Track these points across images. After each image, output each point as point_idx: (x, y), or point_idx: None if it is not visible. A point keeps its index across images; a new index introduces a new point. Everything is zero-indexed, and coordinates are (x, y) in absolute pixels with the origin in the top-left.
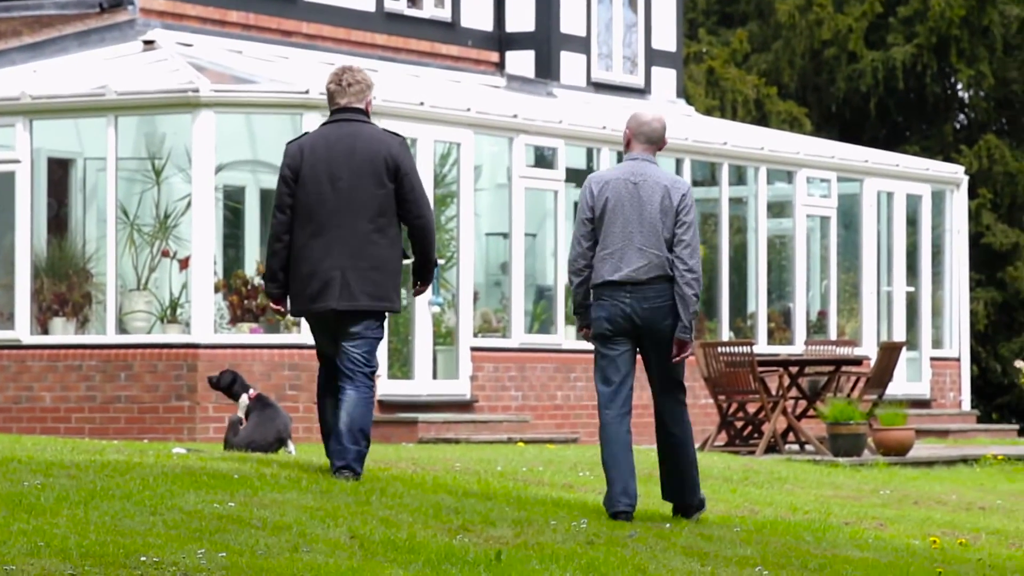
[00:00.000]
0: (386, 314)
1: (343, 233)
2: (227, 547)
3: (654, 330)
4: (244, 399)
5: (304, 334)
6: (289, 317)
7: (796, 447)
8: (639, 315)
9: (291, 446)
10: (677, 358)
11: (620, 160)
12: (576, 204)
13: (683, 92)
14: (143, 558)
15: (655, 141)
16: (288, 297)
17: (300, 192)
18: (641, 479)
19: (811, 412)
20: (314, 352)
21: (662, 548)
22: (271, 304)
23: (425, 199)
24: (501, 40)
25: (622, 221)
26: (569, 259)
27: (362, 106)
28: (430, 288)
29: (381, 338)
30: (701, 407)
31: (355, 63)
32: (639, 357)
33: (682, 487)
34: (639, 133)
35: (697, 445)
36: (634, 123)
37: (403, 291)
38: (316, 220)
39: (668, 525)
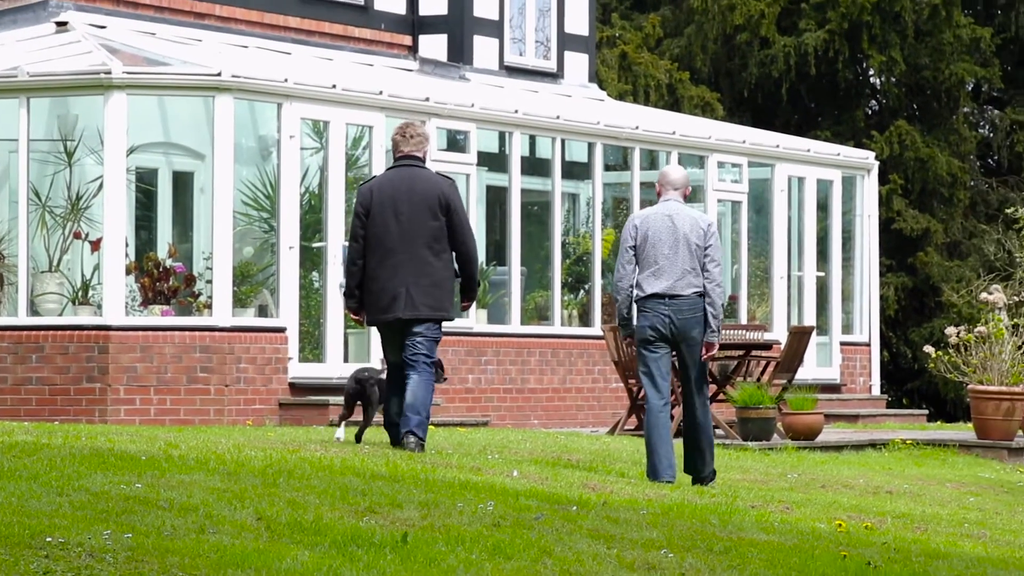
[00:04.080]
0: (443, 320)
1: (406, 258)
2: (133, 528)
3: (687, 336)
4: None
5: (215, 317)
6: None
7: None
8: (675, 324)
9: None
10: (706, 356)
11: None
12: (488, 188)
13: (596, 76)
14: (49, 539)
15: (680, 187)
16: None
17: (370, 225)
18: (547, 462)
19: (721, 396)
20: (225, 334)
21: (568, 531)
22: (351, 315)
23: (470, 230)
24: (414, 23)
25: (661, 246)
26: (615, 279)
27: (420, 154)
28: (343, 272)
29: (440, 339)
30: (612, 391)
31: (268, 45)
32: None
33: (702, 461)
34: (667, 184)
35: (607, 429)
36: (662, 178)
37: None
38: (384, 247)
39: (574, 508)
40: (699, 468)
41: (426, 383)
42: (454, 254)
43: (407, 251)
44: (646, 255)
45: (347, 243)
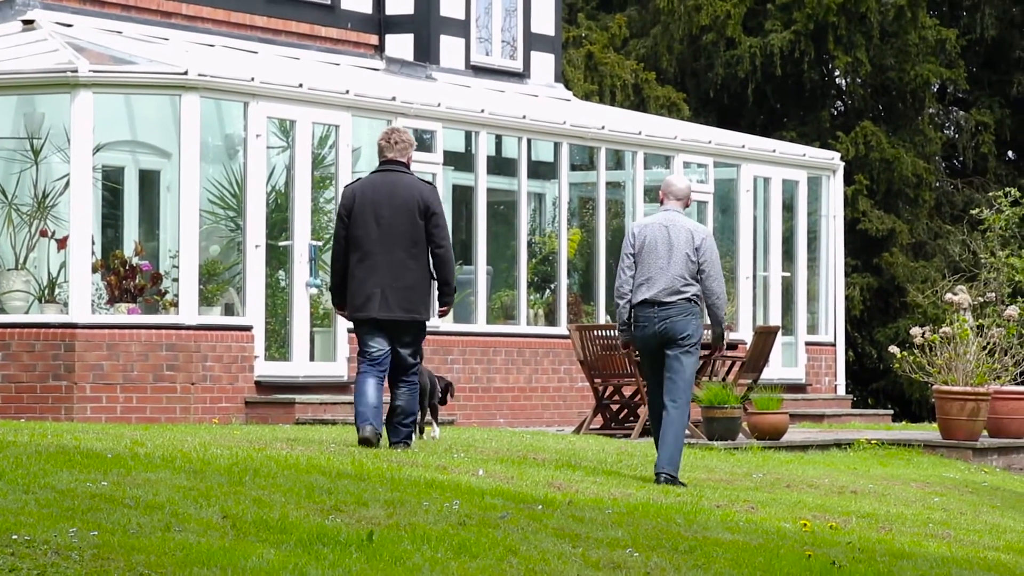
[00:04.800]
0: (427, 323)
1: (384, 259)
2: (99, 526)
3: (674, 339)
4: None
5: (182, 315)
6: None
7: None
8: (665, 326)
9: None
10: (716, 355)
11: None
12: (454, 187)
13: (562, 76)
14: (15, 536)
15: (681, 198)
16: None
17: (352, 226)
18: (513, 461)
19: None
20: (191, 332)
21: (533, 530)
22: (336, 310)
23: (447, 233)
24: (380, 23)
25: (656, 255)
26: (616, 285)
27: (404, 160)
28: (311, 274)
29: (424, 338)
30: (578, 390)
31: (234, 44)
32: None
33: (667, 458)
34: (669, 193)
35: (572, 428)
36: (666, 186)
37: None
38: (363, 248)
39: (540, 507)
40: (662, 464)
41: (411, 394)
42: (431, 258)
43: (385, 253)
44: (642, 263)
45: (312, 242)
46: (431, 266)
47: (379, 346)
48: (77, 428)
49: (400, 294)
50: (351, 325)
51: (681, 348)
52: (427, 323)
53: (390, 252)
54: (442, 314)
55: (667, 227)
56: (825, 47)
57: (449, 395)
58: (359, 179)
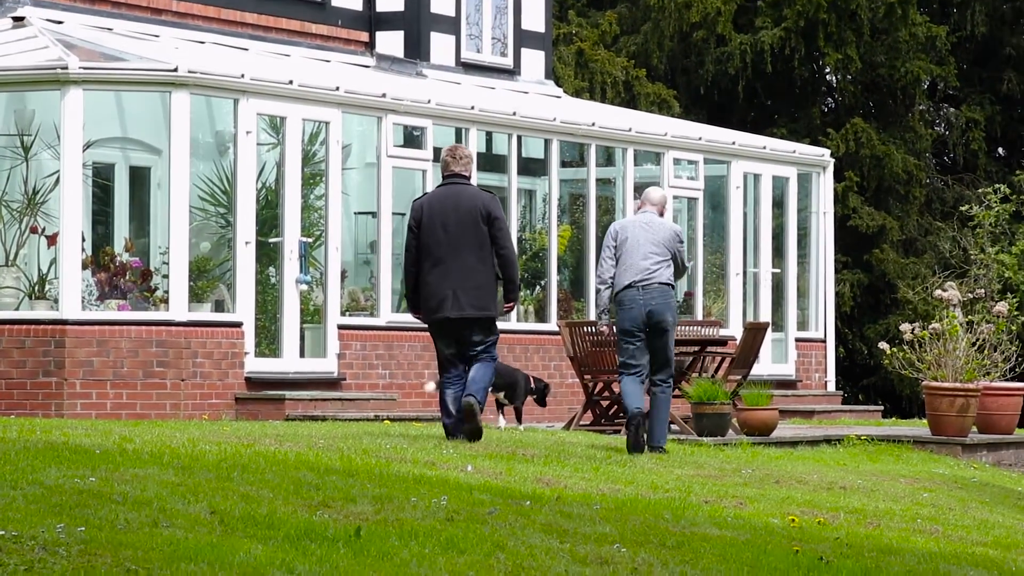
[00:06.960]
0: (496, 321)
1: (453, 265)
2: (87, 521)
3: (659, 320)
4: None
5: (172, 311)
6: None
7: None
8: (650, 308)
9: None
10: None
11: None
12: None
13: (552, 73)
14: (2, 532)
15: (657, 204)
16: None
17: (422, 235)
18: (502, 457)
19: (676, 391)
20: (181, 329)
21: (521, 525)
22: (412, 313)
23: (509, 237)
24: (371, 20)
25: (637, 246)
26: (598, 273)
27: (466, 173)
28: (301, 270)
29: (497, 339)
30: (568, 386)
31: (225, 41)
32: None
33: (657, 432)
34: (647, 201)
35: (562, 424)
36: (645, 197)
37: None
38: (434, 255)
39: (528, 503)
40: (653, 437)
41: (486, 367)
42: (496, 259)
43: (454, 259)
44: (624, 253)
45: (303, 239)
46: (496, 267)
47: (454, 350)
48: (66, 424)
49: (469, 293)
50: (341, 320)
51: (662, 328)
52: (488, 318)
53: (458, 258)
54: (507, 310)
55: (645, 223)
56: (815, 44)
57: (548, 396)
58: (426, 193)
